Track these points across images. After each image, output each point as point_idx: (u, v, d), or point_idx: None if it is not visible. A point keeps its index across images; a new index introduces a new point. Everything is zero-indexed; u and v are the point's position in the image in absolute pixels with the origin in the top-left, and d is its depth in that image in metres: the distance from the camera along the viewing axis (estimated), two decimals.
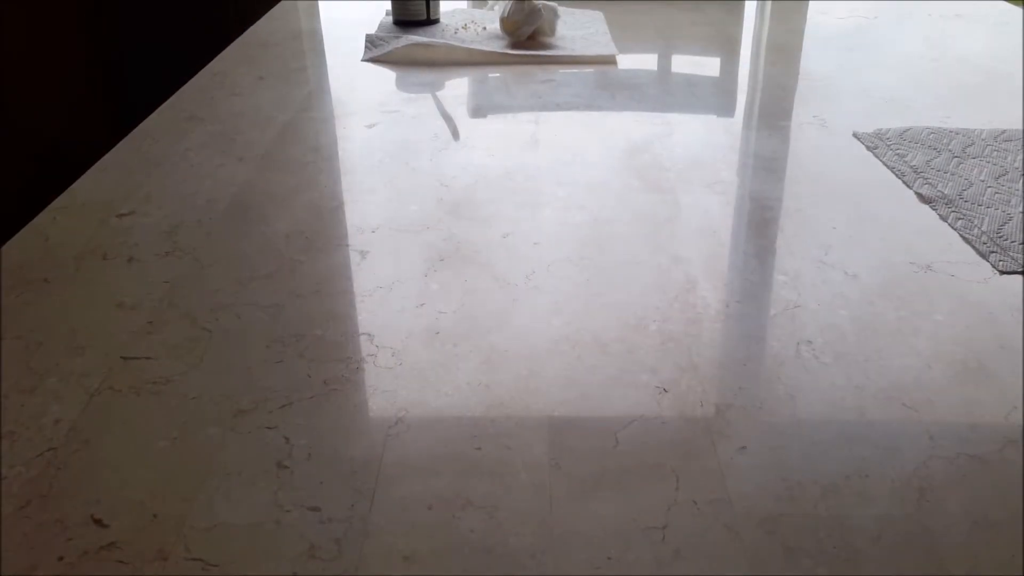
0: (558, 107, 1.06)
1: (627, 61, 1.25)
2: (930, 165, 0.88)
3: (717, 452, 0.50)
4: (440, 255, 0.71)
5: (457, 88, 1.16)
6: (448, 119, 1.02)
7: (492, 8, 1.46)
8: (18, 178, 1.29)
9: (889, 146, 0.93)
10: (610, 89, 1.14)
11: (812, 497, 0.47)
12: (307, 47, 1.32)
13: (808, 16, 1.53)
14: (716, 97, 1.15)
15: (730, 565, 0.43)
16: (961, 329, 0.62)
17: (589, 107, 1.07)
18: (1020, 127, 0.97)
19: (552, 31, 1.30)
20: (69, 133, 1.45)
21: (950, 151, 0.91)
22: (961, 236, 0.75)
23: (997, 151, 0.91)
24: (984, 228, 0.75)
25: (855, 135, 0.96)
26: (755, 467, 0.49)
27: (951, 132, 0.96)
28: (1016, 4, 1.55)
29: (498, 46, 1.27)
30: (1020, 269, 0.69)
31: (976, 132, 0.96)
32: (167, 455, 0.50)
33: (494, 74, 1.21)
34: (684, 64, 1.29)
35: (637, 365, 0.58)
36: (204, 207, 0.79)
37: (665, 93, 1.14)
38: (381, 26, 1.37)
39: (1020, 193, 0.82)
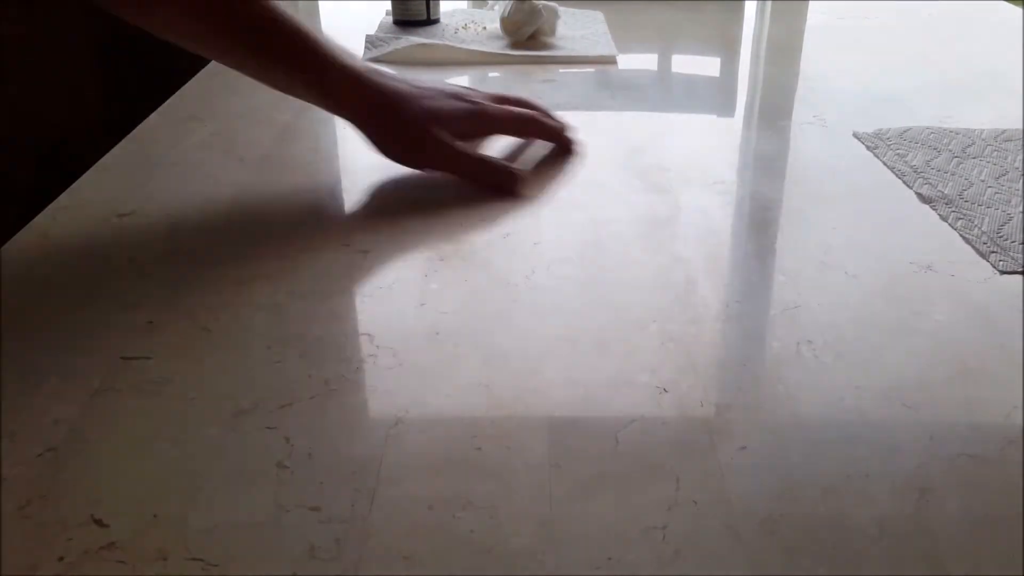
0: (558, 107, 1.06)
1: (627, 61, 1.25)
2: (930, 165, 0.88)
3: (717, 452, 0.50)
4: (440, 255, 0.71)
5: None
6: None
7: (492, 8, 1.46)
8: (18, 178, 1.29)
9: (889, 146, 0.93)
10: (610, 89, 1.14)
11: (812, 497, 0.47)
12: None
13: (808, 16, 1.53)
14: (716, 97, 1.15)
15: (730, 565, 0.43)
16: (961, 329, 0.62)
17: (589, 107, 1.07)
18: (1020, 127, 0.97)
19: (552, 31, 1.30)
20: (69, 133, 1.45)
21: (950, 151, 0.91)
22: (961, 236, 0.75)
23: (997, 151, 0.91)
24: (984, 228, 0.75)
25: (855, 135, 0.96)
26: (755, 467, 0.49)
27: (951, 132, 0.96)
28: (1016, 4, 1.55)
29: (498, 46, 1.27)
30: (1020, 269, 0.69)
31: (976, 132, 0.96)
32: (167, 455, 0.50)
33: (494, 74, 1.21)
34: (684, 64, 1.29)
35: (637, 365, 0.58)
36: (204, 207, 0.79)
37: (665, 93, 1.14)
38: (381, 26, 1.37)
39: (1020, 193, 0.82)
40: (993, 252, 0.72)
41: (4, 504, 0.46)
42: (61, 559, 0.43)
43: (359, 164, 0.89)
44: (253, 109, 1.03)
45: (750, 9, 1.58)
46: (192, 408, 0.54)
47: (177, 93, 1.09)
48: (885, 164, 0.89)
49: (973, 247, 0.73)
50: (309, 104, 0.82)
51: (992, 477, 0.49)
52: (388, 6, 1.41)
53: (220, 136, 0.95)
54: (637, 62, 1.27)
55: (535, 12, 1.27)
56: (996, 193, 0.82)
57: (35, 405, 0.54)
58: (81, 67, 1.53)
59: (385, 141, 0.81)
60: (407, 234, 0.75)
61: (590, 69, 1.22)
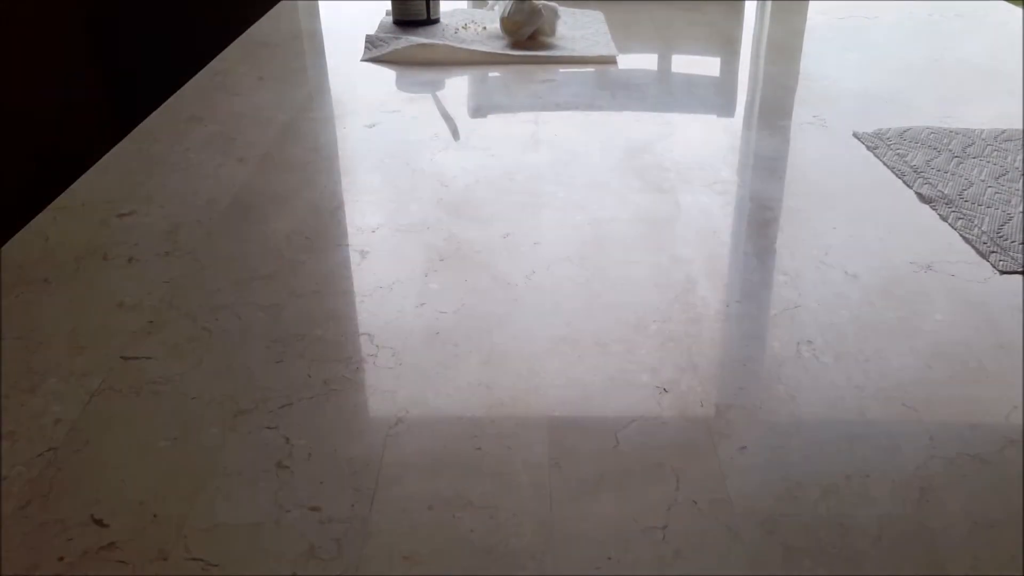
0: (558, 107, 1.06)
1: (627, 61, 1.25)
2: (930, 165, 0.88)
3: (717, 452, 0.50)
4: (440, 255, 0.71)
5: (457, 88, 1.16)
6: (448, 119, 1.02)
7: (492, 8, 1.46)
8: (18, 178, 1.29)
9: (889, 146, 0.93)
10: (610, 89, 1.14)
11: (812, 497, 0.47)
12: (307, 47, 1.32)
13: (808, 16, 1.53)
14: (716, 97, 1.15)
15: (730, 565, 0.43)
16: (961, 329, 0.62)
17: (589, 107, 1.07)
18: (1020, 127, 0.97)
19: (552, 31, 1.30)
20: (69, 133, 1.45)
21: (950, 151, 0.91)
22: (961, 236, 0.75)
23: (997, 151, 0.91)
24: (984, 228, 0.75)
25: (855, 135, 0.96)
26: (755, 467, 0.49)
27: (951, 132, 0.96)
28: (1016, 4, 1.55)
29: (498, 46, 1.27)
30: (1020, 269, 0.69)
31: (976, 132, 0.96)
32: (167, 455, 0.50)
33: (494, 74, 1.21)
34: (684, 64, 1.29)
35: (637, 365, 0.58)
36: (204, 207, 0.79)
37: (665, 93, 1.14)
38: (381, 26, 1.37)
39: (1020, 193, 0.82)
40: (993, 252, 0.72)
41: (5, 504, 0.46)
42: (61, 559, 0.43)
43: (359, 164, 0.89)
44: (253, 109, 1.03)
45: (750, 9, 1.58)
46: (192, 408, 0.54)
47: (177, 93, 1.09)
48: (885, 164, 0.89)
49: (973, 247, 0.73)
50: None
51: (991, 477, 0.49)
52: (388, 6, 1.41)
53: (220, 136, 0.95)
54: (637, 62, 1.27)
55: (535, 12, 1.27)
56: (996, 193, 0.82)
57: (35, 405, 0.54)
58: (81, 67, 1.52)
59: None
60: (407, 234, 0.75)
61: (590, 69, 1.22)
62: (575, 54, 1.25)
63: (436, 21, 1.38)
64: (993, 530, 0.45)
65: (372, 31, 1.35)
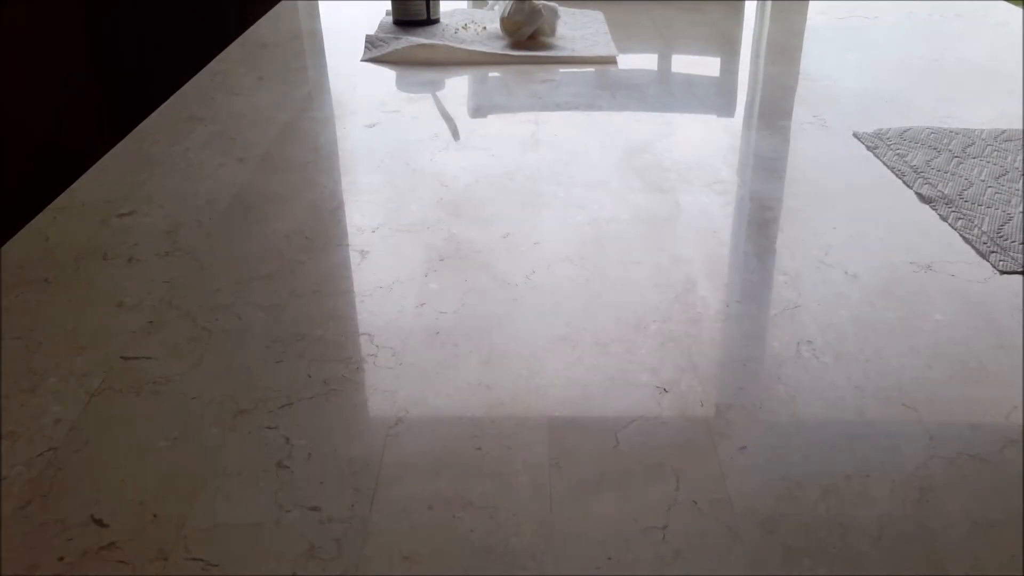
0: (558, 107, 1.06)
1: (627, 61, 1.25)
2: (930, 165, 0.88)
3: (717, 452, 0.50)
4: (440, 255, 0.71)
5: (457, 88, 1.16)
6: (448, 119, 1.02)
7: (492, 8, 1.46)
8: (18, 178, 1.29)
9: (889, 146, 0.93)
10: (610, 89, 1.14)
11: (812, 497, 0.47)
12: (307, 47, 1.32)
13: (808, 16, 1.53)
14: (716, 97, 1.15)
15: (730, 565, 0.43)
16: (961, 329, 0.62)
17: (589, 107, 1.07)
18: (1020, 127, 0.97)
19: (552, 31, 1.30)
20: (69, 133, 1.45)
21: (950, 151, 0.91)
22: (961, 236, 0.75)
23: (997, 151, 0.91)
24: (984, 228, 0.75)
25: (855, 135, 0.96)
26: (755, 467, 0.49)
27: (951, 132, 0.96)
28: (1016, 4, 1.55)
29: (498, 46, 1.27)
30: (1020, 269, 0.69)
31: (976, 132, 0.96)
32: (167, 455, 0.50)
33: (494, 74, 1.21)
34: (684, 64, 1.29)
35: (637, 365, 0.58)
36: (204, 207, 0.79)
37: (665, 93, 1.14)
38: (381, 26, 1.37)
39: (1020, 193, 0.82)
40: (993, 252, 0.72)
41: (5, 504, 0.46)
42: (61, 559, 0.43)
43: (359, 164, 0.89)
44: (253, 109, 1.03)
45: (750, 9, 1.58)
46: (192, 408, 0.54)
47: (177, 93, 1.09)
48: (885, 164, 0.89)
49: (973, 247, 0.73)
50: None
51: (991, 477, 0.49)
52: (388, 6, 1.41)
53: (220, 136, 0.95)
54: (637, 62, 1.27)
55: (535, 12, 1.27)
56: (996, 193, 0.82)
57: (35, 405, 0.54)
58: (81, 67, 1.52)
59: None
60: (407, 234, 0.75)
61: (590, 69, 1.22)
62: (575, 54, 1.25)
63: (436, 21, 1.38)
64: (993, 530, 0.45)
65: (372, 31, 1.35)
